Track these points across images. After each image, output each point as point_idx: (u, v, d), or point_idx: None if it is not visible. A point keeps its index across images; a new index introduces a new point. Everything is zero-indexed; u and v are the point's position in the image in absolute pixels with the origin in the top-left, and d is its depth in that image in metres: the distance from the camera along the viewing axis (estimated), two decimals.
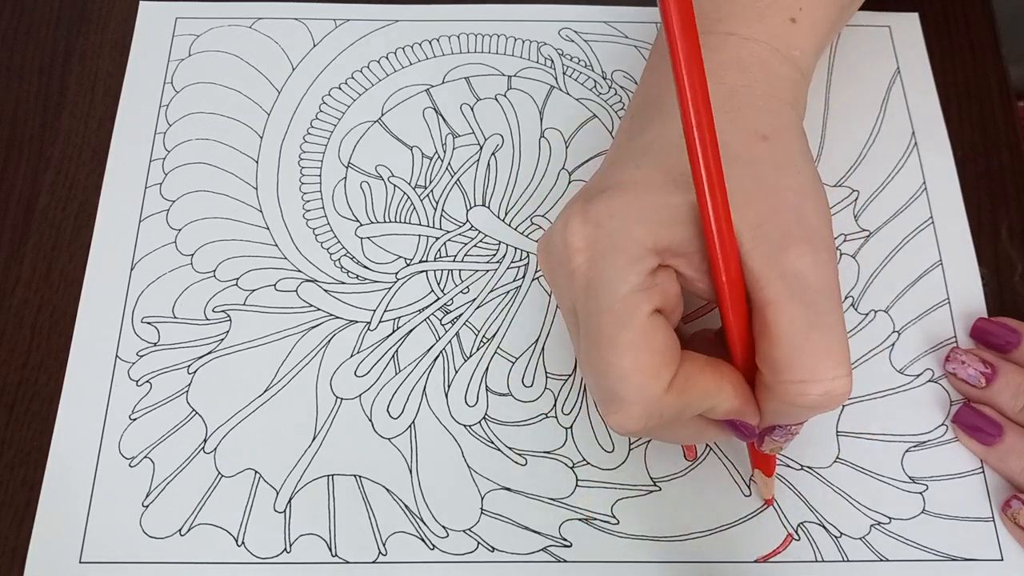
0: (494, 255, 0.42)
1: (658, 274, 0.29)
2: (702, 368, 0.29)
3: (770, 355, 0.28)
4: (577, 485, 0.37)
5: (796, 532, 0.37)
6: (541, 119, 0.45)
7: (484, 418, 0.39)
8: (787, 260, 0.28)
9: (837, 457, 0.38)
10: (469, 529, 0.37)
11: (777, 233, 0.28)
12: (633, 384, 0.28)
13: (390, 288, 0.41)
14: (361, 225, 0.43)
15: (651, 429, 0.30)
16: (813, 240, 0.29)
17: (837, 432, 0.38)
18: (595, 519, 0.37)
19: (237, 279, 0.41)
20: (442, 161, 0.44)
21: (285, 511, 0.37)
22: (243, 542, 0.36)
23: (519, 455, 0.38)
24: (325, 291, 0.41)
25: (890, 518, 0.37)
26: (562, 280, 0.30)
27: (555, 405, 0.39)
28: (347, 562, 0.36)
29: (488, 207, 0.43)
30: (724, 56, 0.32)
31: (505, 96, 0.45)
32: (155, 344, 0.40)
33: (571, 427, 0.38)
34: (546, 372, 0.39)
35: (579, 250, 0.29)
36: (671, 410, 0.29)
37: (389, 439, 0.38)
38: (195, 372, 0.39)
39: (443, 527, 0.37)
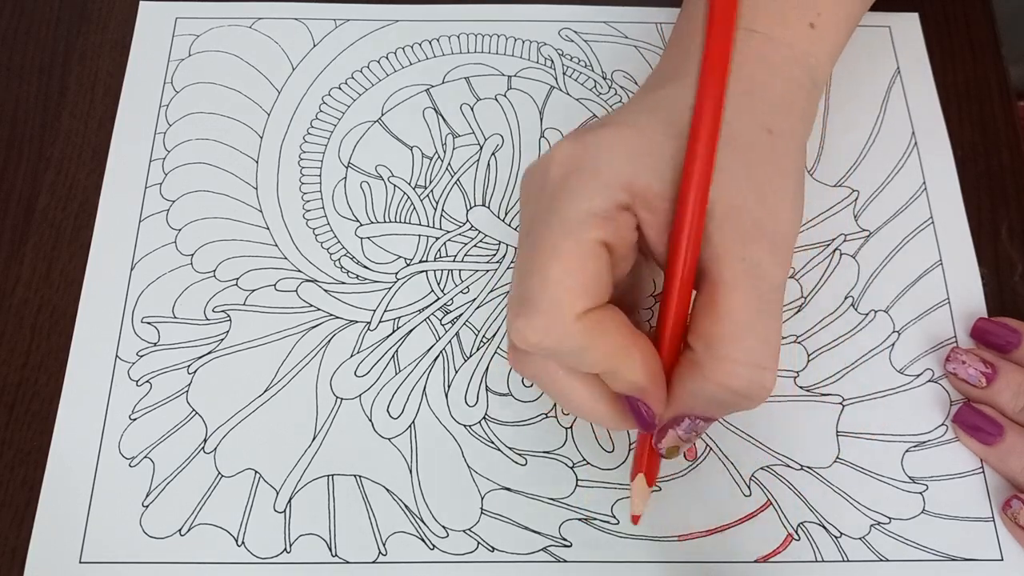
0: (494, 255, 0.42)
1: (622, 214, 0.29)
2: (619, 324, 0.29)
3: (710, 331, 0.28)
4: (577, 485, 0.37)
5: (796, 532, 0.37)
6: (541, 119, 0.45)
7: (484, 418, 0.39)
8: (751, 249, 0.28)
9: (837, 457, 0.38)
10: (469, 529, 0.37)
11: (749, 222, 0.29)
12: (551, 293, 0.28)
13: (390, 288, 0.41)
14: (361, 225, 0.43)
15: (551, 367, 0.30)
16: (778, 241, 0.29)
17: (837, 432, 0.38)
18: (595, 519, 0.37)
19: (237, 279, 0.41)
20: (442, 161, 0.44)
21: (285, 511, 0.37)
22: (243, 542, 0.36)
23: (519, 455, 0.38)
24: (325, 291, 0.41)
25: (890, 518, 0.37)
26: (533, 190, 0.30)
27: (555, 405, 0.39)
28: (347, 562, 0.36)
29: (488, 207, 0.43)
30: (750, 50, 0.33)
31: (505, 96, 0.45)
32: (155, 344, 0.40)
33: (571, 427, 0.38)
34: None
35: (559, 163, 0.29)
36: (572, 344, 0.28)
37: (389, 439, 0.38)
38: (195, 372, 0.39)
39: (443, 527, 0.37)
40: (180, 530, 0.36)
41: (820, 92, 0.35)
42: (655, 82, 0.34)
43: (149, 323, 0.40)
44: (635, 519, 0.34)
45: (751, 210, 0.29)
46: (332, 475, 0.37)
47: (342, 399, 0.39)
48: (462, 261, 0.42)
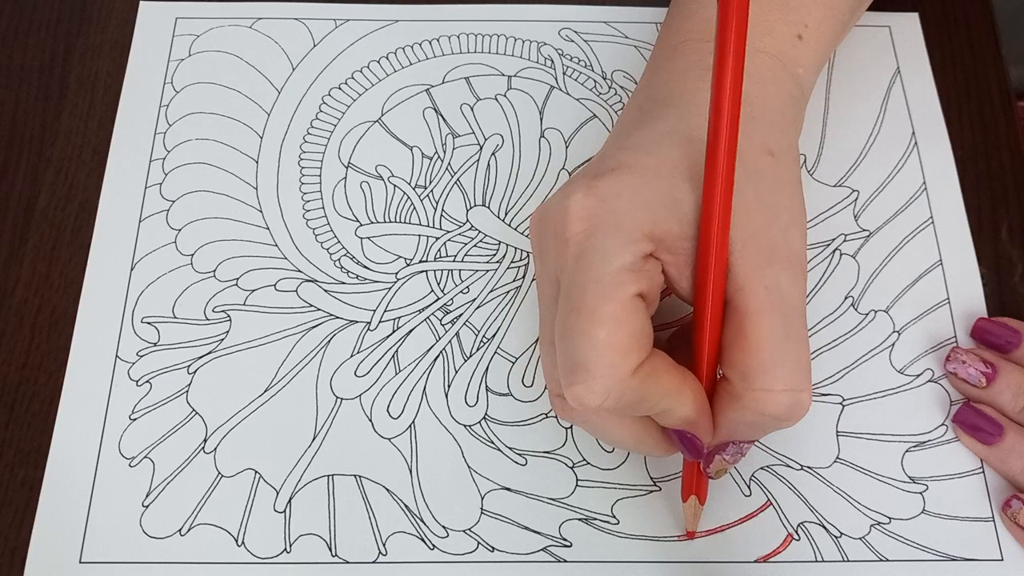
0: (494, 255, 0.42)
1: (649, 262, 0.29)
2: (668, 367, 0.30)
3: (744, 362, 0.29)
4: (577, 485, 0.37)
5: (796, 532, 0.37)
6: (541, 119, 0.45)
7: (484, 418, 0.39)
8: (771, 273, 0.29)
9: (837, 457, 0.38)
10: (469, 529, 0.37)
11: (766, 247, 0.29)
12: (604, 357, 0.28)
13: (390, 288, 0.41)
14: (361, 225, 0.43)
15: (602, 415, 0.31)
16: (793, 260, 0.30)
17: (837, 432, 0.38)
18: (595, 519, 0.37)
19: (237, 279, 0.41)
20: (442, 161, 0.44)
21: (285, 511, 0.37)
22: (243, 542, 0.36)
23: (519, 455, 0.38)
24: (325, 291, 0.41)
25: (890, 518, 0.37)
26: (553, 247, 0.30)
27: None
28: (347, 562, 0.36)
29: (488, 207, 0.43)
30: (747, 64, 0.33)
31: (505, 96, 0.45)
32: (155, 344, 0.40)
33: (571, 427, 0.38)
34: None
35: (579, 219, 0.29)
36: (631, 396, 0.29)
37: (389, 439, 0.38)
38: (195, 372, 0.39)
39: (443, 527, 0.37)
40: (180, 530, 0.36)
41: (807, 100, 0.35)
42: (646, 104, 0.34)
43: (149, 323, 0.40)
44: (691, 535, 0.36)
45: (766, 235, 0.29)
46: (332, 475, 0.37)
47: (342, 399, 0.39)
48: (462, 261, 0.42)
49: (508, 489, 0.37)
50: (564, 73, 0.46)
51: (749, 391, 0.29)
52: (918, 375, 0.39)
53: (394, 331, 0.40)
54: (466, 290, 0.41)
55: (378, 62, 0.46)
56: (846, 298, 0.41)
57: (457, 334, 0.40)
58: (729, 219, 0.28)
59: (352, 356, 0.40)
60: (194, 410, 0.38)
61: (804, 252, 0.31)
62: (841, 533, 0.37)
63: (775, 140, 0.32)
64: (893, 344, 0.40)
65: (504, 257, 0.42)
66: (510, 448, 0.38)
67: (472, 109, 0.45)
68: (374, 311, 0.41)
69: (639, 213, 0.29)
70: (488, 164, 0.44)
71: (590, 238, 0.29)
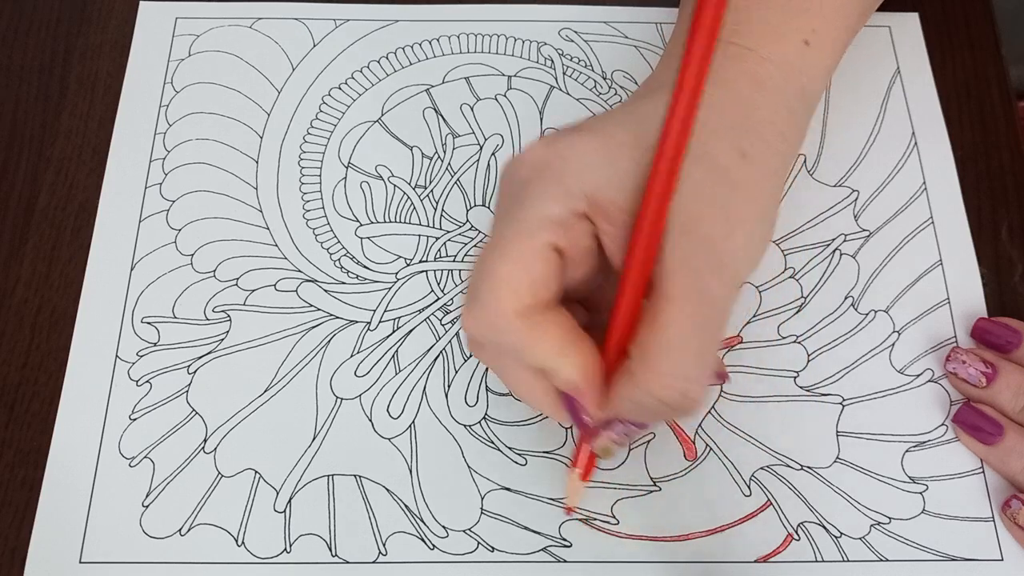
0: None
1: (580, 221, 0.30)
2: (563, 325, 0.30)
3: (647, 341, 0.29)
4: None
5: (796, 532, 0.37)
6: (541, 119, 0.45)
7: (484, 418, 0.39)
8: (699, 266, 0.29)
9: (837, 457, 0.38)
10: (469, 529, 0.37)
11: (703, 241, 0.29)
12: (493, 289, 0.29)
13: (390, 288, 0.41)
14: (361, 225, 0.43)
15: (491, 350, 0.31)
16: (727, 262, 0.29)
17: (837, 432, 0.38)
18: (595, 519, 0.37)
19: (237, 279, 0.41)
20: (442, 161, 0.44)
21: (285, 511, 0.37)
22: (243, 542, 0.36)
23: (519, 455, 0.38)
24: (325, 291, 0.41)
25: (890, 518, 0.37)
26: (504, 188, 0.31)
27: None
28: (347, 562, 0.36)
29: (488, 207, 0.43)
30: (744, 66, 0.33)
31: (505, 96, 0.45)
32: (155, 344, 0.40)
33: (571, 427, 0.38)
34: None
35: (529, 165, 0.30)
36: (510, 339, 0.29)
37: (389, 439, 0.38)
38: (195, 372, 0.39)
39: (443, 527, 0.37)
40: (180, 530, 0.36)
41: (811, 110, 0.35)
42: (641, 91, 0.34)
43: (149, 323, 0.40)
44: (569, 510, 0.36)
45: (706, 229, 0.29)
46: (332, 475, 0.37)
47: (342, 399, 0.39)
48: (462, 261, 0.42)
49: (508, 489, 0.37)
50: (564, 73, 0.46)
51: (643, 369, 0.29)
52: (918, 375, 0.40)
53: (394, 331, 0.40)
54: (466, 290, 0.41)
55: (378, 62, 0.46)
56: (846, 298, 0.41)
57: (457, 334, 0.40)
58: (668, 200, 0.28)
59: (352, 356, 0.40)
60: (194, 410, 0.38)
61: (746, 260, 0.30)
62: (841, 533, 0.37)
63: (752, 144, 0.31)
64: (893, 344, 0.40)
65: None
66: (510, 448, 0.38)
67: (472, 109, 0.45)
68: (374, 311, 0.41)
69: (585, 173, 0.29)
70: (488, 164, 0.44)
71: (530, 183, 0.30)
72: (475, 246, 0.42)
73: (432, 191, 0.43)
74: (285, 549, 0.36)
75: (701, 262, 0.29)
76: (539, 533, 0.37)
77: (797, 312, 0.41)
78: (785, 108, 0.33)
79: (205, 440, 0.38)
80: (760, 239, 0.31)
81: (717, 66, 0.31)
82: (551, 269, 0.29)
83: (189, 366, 0.39)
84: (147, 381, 0.39)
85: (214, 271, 0.41)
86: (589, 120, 0.32)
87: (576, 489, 0.36)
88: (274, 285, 0.41)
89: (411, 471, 0.38)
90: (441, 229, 0.42)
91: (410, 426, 0.38)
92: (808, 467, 0.38)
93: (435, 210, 0.43)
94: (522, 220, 0.29)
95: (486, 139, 0.44)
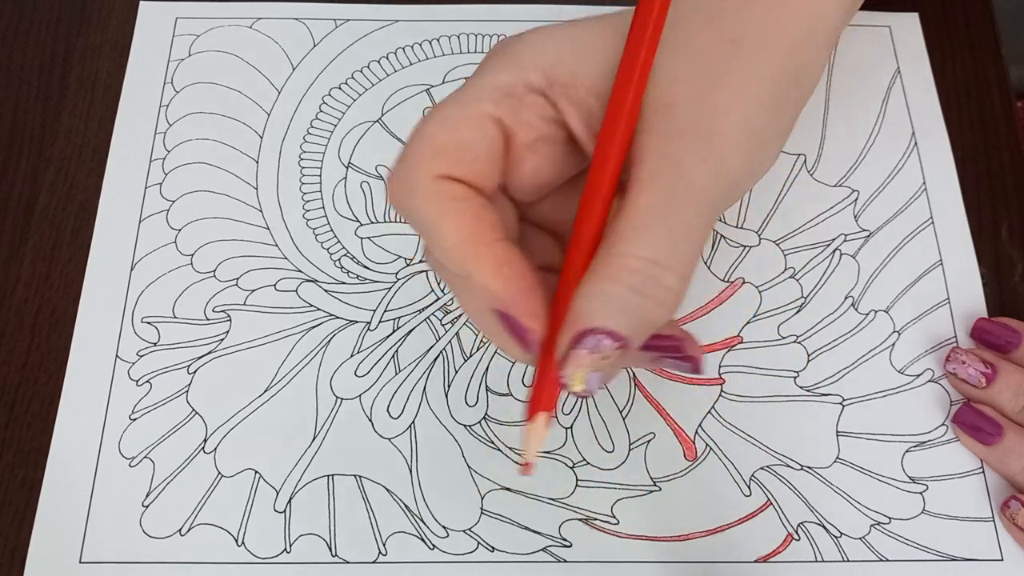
0: None
1: (530, 95, 0.27)
2: (481, 219, 0.26)
3: (614, 228, 0.26)
4: (577, 485, 0.37)
5: (796, 532, 0.37)
6: None
7: (484, 418, 0.39)
8: (675, 144, 0.26)
9: (837, 457, 0.38)
10: (469, 529, 0.37)
11: (681, 119, 0.26)
12: (414, 147, 0.26)
13: (390, 288, 0.41)
14: (361, 225, 0.43)
15: (411, 215, 0.27)
16: (712, 140, 0.26)
17: (837, 432, 0.38)
18: (595, 519, 0.37)
19: (237, 279, 0.41)
20: None
21: (285, 511, 0.37)
22: (243, 542, 0.36)
23: (519, 455, 0.38)
24: (325, 291, 0.41)
25: (890, 518, 0.37)
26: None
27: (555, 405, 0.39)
28: (347, 562, 0.36)
29: None
30: None
31: None
32: (155, 344, 0.40)
33: (571, 427, 0.38)
34: None
35: (495, 49, 0.28)
36: (418, 208, 0.26)
37: (389, 439, 0.38)
38: (195, 372, 0.39)
39: (443, 527, 0.37)
40: (180, 530, 0.36)
41: (826, 38, 0.31)
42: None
43: (149, 323, 0.40)
44: (527, 468, 0.29)
45: (686, 108, 0.26)
46: (332, 475, 0.37)
47: (342, 399, 0.39)
48: None
49: (508, 489, 0.37)
50: None
51: (608, 255, 0.25)
52: (918, 375, 0.40)
53: (394, 331, 0.40)
54: None
55: (378, 62, 0.46)
56: (846, 298, 0.41)
57: (457, 334, 0.40)
58: (644, 84, 0.26)
59: (352, 356, 0.40)
60: (194, 410, 0.38)
61: (737, 152, 0.27)
62: (841, 533, 0.37)
63: (746, 34, 0.28)
64: (893, 344, 0.40)
65: None
66: (510, 448, 0.38)
67: None
68: (374, 311, 0.41)
69: (543, 50, 0.27)
70: None
71: (487, 59, 0.28)
72: None
73: None
74: (285, 549, 0.36)
75: (674, 137, 0.26)
76: (539, 533, 0.37)
77: (797, 312, 0.41)
78: (794, 22, 0.29)
79: (205, 440, 0.38)
80: (759, 135, 0.28)
81: None
82: (484, 140, 0.26)
83: (189, 366, 0.39)
84: (147, 381, 0.39)
85: (214, 271, 0.41)
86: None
87: (534, 437, 0.28)
88: (274, 285, 0.41)
89: (411, 471, 0.38)
90: None
91: (410, 426, 0.38)
92: (808, 467, 0.38)
93: None
94: (466, 89, 0.27)
95: None
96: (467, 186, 0.27)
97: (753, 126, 0.27)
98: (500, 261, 0.26)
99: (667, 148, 0.26)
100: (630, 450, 0.38)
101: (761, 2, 0.29)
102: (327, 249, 0.42)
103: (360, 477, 0.37)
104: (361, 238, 0.42)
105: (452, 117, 0.26)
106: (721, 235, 0.42)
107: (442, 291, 0.41)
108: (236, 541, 0.36)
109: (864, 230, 0.42)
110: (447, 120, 0.26)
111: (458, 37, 0.47)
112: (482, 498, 0.37)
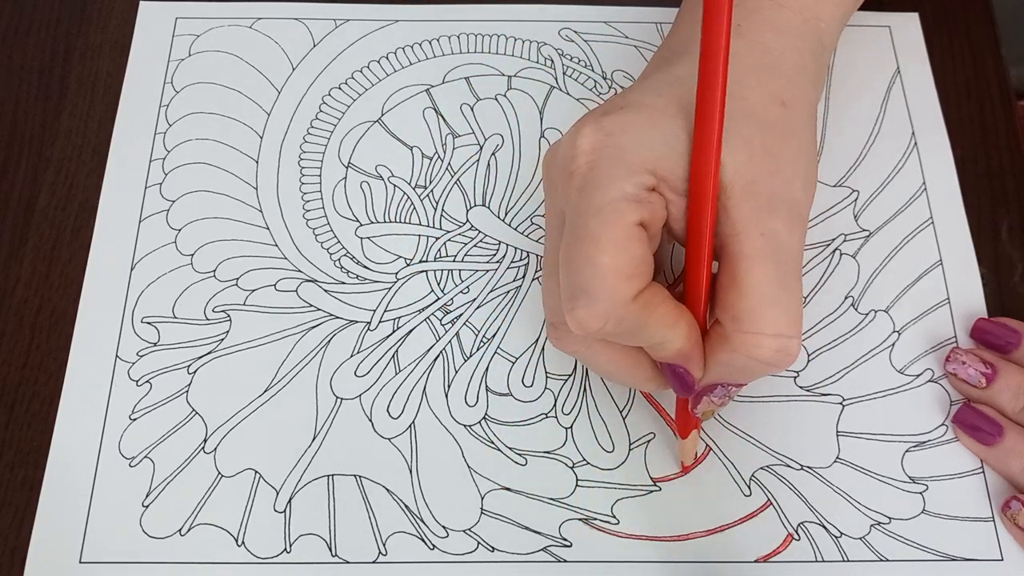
0: (494, 255, 0.42)
1: (652, 194, 0.30)
2: (666, 298, 0.30)
3: (735, 305, 0.29)
4: (577, 485, 0.37)
5: (796, 532, 0.37)
6: (541, 119, 0.45)
7: (484, 418, 0.39)
8: (769, 221, 0.29)
9: (837, 457, 0.38)
10: (469, 529, 0.37)
11: (766, 194, 0.30)
12: (606, 281, 0.28)
13: (390, 288, 0.41)
14: (361, 225, 0.43)
15: (597, 345, 0.32)
16: (793, 209, 0.30)
17: (837, 432, 0.38)
18: (595, 519, 0.37)
19: (237, 279, 0.41)
20: (442, 161, 0.44)
21: (285, 511, 0.37)
22: (243, 542, 0.36)
23: (519, 455, 0.38)
24: (325, 291, 0.41)
25: (890, 518, 0.37)
26: (560, 181, 0.31)
27: (555, 405, 0.39)
28: (347, 562, 0.36)
29: (488, 207, 0.43)
30: (762, 16, 0.33)
31: (505, 96, 0.45)
32: (155, 344, 0.40)
33: (571, 427, 0.38)
34: (546, 372, 0.39)
35: (584, 152, 0.30)
36: (630, 323, 0.29)
37: (389, 439, 0.38)
38: (195, 372, 0.39)
39: (443, 527, 0.37)
40: (180, 530, 0.36)
41: (829, 56, 0.35)
42: (667, 54, 0.35)
43: (149, 323, 0.40)
44: (685, 468, 0.37)
45: (767, 183, 0.30)
46: (332, 475, 0.37)
47: (342, 399, 0.39)
48: (462, 261, 0.42)
49: (508, 489, 0.37)
50: (564, 73, 0.46)
51: (739, 333, 0.29)
52: (918, 375, 0.40)
53: (394, 331, 0.40)
54: (466, 290, 0.41)
55: (378, 62, 0.46)
56: (846, 298, 0.41)
57: (457, 334, 0.40)
58: (718, 159, 0.29)
59: (352, 356, 0.40)
60: (194, 410, 0.38)
61: (806, 204, 0.31)
62: (841, 533, 0.37)
63: (789, 92, 0.32)
64: (893, 344, 0.40)
65: (504, 257, 0.42)
66: (510, 448, 0.38)
67: (472, 109, 0.45)
68: (374, 311, 0.41)
69: (642, 149, 0.29)
70: (488, 164, 0.44)
71: (593, 170, 0.30)
72: (475, 246, 0.42)
73: (432, 191, 0.43)
74: (285, 549, 0.36)
75: (766, 214, 0.29)
76: (539, 533, 0.37)
77: None
78: (809, 53, 0.33)
79: (205, 440, 0.38)
80: (814, 179, 0.32)
81: (737, 19, 0.32)
82: (645, 247, 0.29)
83: (189, 366, 0.39)
84: (147, 381, 0.39)
85: (214, 271, 0.41)
86: (630, 93, 0.32)
87: (691, 447, 0.36)
88: (274, 285, 0.41)
89: (411, 471, 0.38)
90: (441, 229, 0.42)
91: (410, 426, 0.38)
92: (808, 467, 0.38)
93: (435, 210, 0.43)
94: (603, 207, 0.29)
95: (486, 139, 0.44)
96: (648, 286, 0.30)
97: (812, 178, 0.32)
98: (691, 326, 0.31)
99: (762, 224, 0.29)
100: (630, 450, 0.38)
101: (791, 48, 0.33)
102: (327, 249, 0.42)
103: (360, 477, 0.37)
104: (361, 238, 0.42)
105: (616, 239, 0.29)
106: None
107: (442, 291, 0.41)
108: (236, 541, 0.36)
109: (864, 230, 0.42)
110: (615, 244, 0.29)
111: (458, 37, 0.47)
112: (482, 498, 0.37)
